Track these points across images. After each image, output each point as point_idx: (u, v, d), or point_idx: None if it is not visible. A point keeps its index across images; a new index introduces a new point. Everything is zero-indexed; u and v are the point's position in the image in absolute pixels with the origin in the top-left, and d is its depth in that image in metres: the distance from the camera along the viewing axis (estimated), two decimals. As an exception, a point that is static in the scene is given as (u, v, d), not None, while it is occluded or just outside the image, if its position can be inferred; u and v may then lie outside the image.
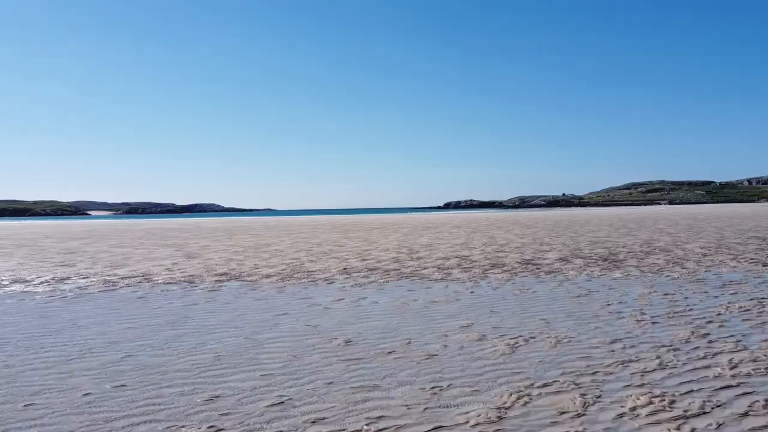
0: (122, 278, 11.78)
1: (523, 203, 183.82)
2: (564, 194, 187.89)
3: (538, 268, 12.05)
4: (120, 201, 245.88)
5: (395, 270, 12.17)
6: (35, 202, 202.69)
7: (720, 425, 3.63)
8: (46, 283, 11.15)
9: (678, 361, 5.04)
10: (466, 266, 12.68)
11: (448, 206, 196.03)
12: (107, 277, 11.93)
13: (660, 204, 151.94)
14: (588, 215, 51.42)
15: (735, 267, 11.74)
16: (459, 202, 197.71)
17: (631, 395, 4.18)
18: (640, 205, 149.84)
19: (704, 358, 5.13)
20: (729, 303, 7.80)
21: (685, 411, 3.87)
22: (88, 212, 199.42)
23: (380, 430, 3.66)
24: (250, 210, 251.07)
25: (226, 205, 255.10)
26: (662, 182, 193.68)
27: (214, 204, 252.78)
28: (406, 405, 4.09)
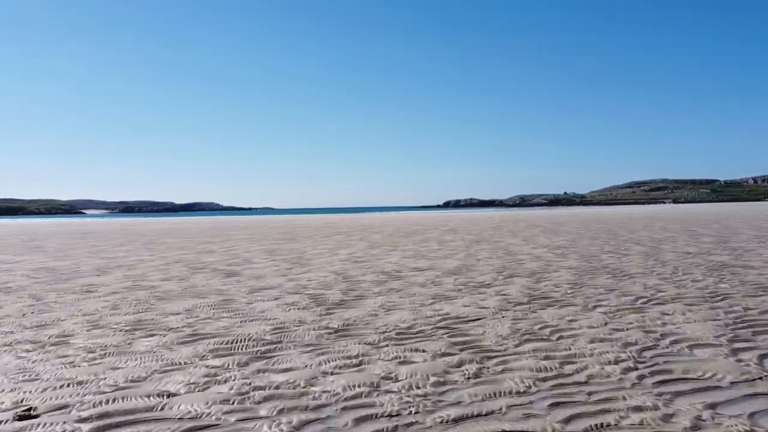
0: None
1: (523, 202, 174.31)
2: (565, 193, 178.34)
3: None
4: (119, 200, 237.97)
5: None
6: (30, 201, 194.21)
7: None
8: None
9: None
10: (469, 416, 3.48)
11: (447, 205, 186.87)
12: None
13: (664, 203, 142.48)
14: (611, 214, 42.13)
15: None
16: (459, 200, 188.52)
17: None
18: (644, 203, 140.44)
19: None
20: None
21: None
22: (83, 211, 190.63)
23: None
24: (249, 209, 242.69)
25: (226, 204, 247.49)
26: (664, 180, 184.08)
27: (212, 203, 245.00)
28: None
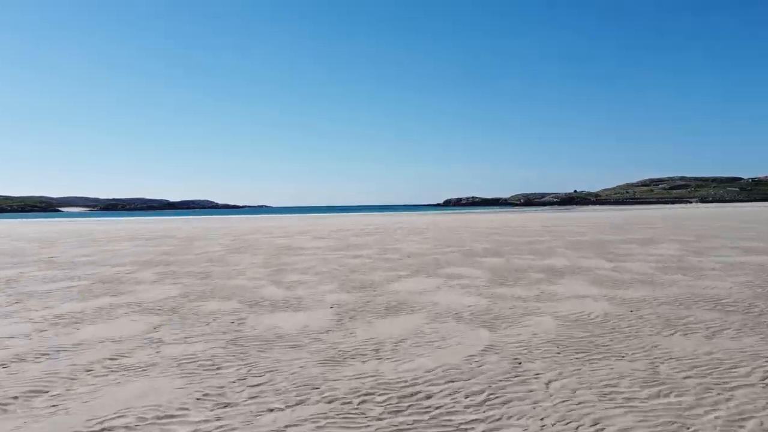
0: None
1: (529, 201, 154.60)
2: (576, 191, 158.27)
3: None
4: (111, 197, 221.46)
5: None
6: (6, 198, 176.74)
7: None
8: None
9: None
10: None
11: (448, 203, 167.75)
12: None
13: (691, 202, 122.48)
14: (714, 217, 22.71)
15: None
16: (460, 199, 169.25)
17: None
18: (667, 203, 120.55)
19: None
20: None
21: None
22: (60, 209, 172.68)
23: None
24: (243, 207, 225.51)
25: (220, 202, 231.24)
26: (683, 178, 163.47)
27: (207, 201, 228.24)
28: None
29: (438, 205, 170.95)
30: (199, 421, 2.56)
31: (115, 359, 3.64)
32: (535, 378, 3.10)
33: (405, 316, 4.95)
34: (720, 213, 36.49)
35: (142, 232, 21.65)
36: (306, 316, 5.02)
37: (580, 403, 2.70)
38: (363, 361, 3.51)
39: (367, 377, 3.17)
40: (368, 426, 2.50)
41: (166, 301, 5.92)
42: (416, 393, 2.88)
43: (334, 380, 3.12)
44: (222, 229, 23.26)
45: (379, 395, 2.86)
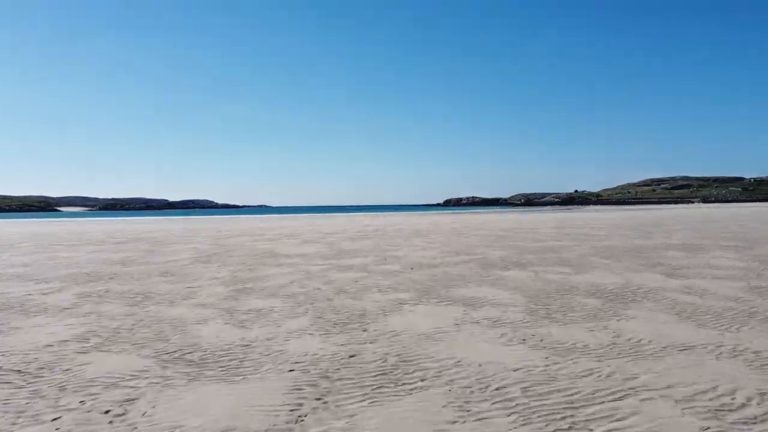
0: None
1: (529, 201, 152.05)
2: (576, 191, 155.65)
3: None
4: (111, 197, 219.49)
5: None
6: (5, 197, 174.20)
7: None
8: None
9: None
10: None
11: (448, 204, 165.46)
12: None
13: (693, 202, 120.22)
14: None
15: None
16: (460, 199, 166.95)
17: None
18: (669, 203, 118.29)
19: None
20: None
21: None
22: (58, 208, 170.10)
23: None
24: (243, 207, 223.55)
25: (220, 202, 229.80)
26: (685, 178, 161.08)
27: (206, 200, 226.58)
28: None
29: (438, 205, 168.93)
30: None
31: None
32: None
33: (411, 395, 2.87)
34: (729, 214, 34.43)
35: (121, 234, 19.58)
36: (244, 392, 2.95)
37: None
38: None
39: None
40: None
41: (45, 351, 3.85)
42: None
43: None
44: (207, 231, 21.19)
45: None
